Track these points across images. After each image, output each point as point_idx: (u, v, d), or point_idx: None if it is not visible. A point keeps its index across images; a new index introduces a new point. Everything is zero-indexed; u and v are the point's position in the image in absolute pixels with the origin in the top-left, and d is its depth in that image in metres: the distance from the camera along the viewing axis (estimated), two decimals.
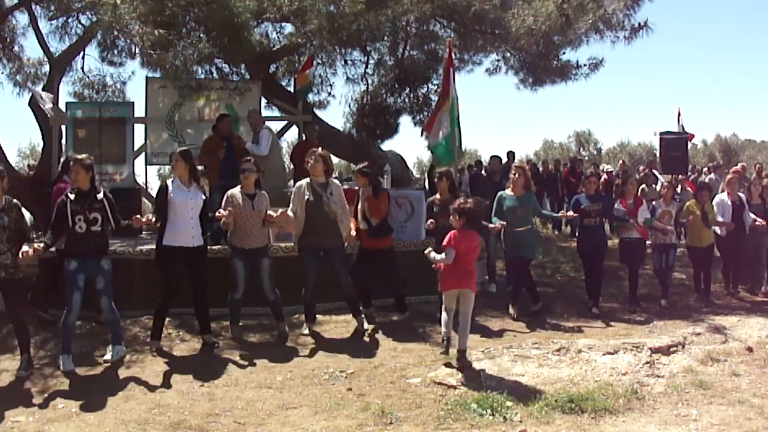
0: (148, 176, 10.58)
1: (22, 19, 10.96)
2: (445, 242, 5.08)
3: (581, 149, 31.81)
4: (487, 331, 6.40)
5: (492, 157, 9.24)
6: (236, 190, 5.92)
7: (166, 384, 4.83)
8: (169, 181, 5.63)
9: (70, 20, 10.33)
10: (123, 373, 5.05)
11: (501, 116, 60.26)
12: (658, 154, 12.29)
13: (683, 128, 11.91)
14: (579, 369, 4.96)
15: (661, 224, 7.62)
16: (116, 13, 7.15)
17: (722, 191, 8.49)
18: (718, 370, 5.08)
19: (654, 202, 7.90)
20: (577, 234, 7.72)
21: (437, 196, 6.70)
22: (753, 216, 7.99)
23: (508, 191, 7.02)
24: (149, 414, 4.26)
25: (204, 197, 5.68)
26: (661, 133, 11.35)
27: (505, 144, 70.02)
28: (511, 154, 13.89)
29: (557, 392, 4.49)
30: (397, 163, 10.42)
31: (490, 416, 4.16)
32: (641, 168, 15.21)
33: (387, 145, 12.52)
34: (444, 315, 5.22)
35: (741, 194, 8.31)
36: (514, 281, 7.27)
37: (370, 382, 4.85)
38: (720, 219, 7.87)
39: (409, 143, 37.84)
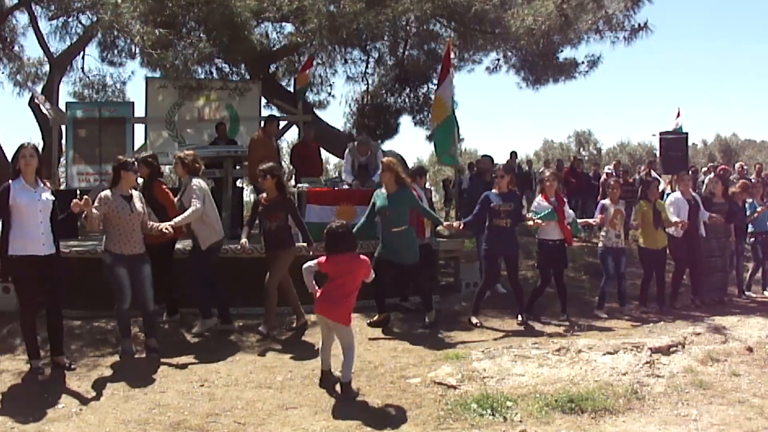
0: None
1: (22, 19, 11.03)
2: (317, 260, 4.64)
3: (581, 149, 31.82)
4: (487, 331, 6.39)
5: (483, 156, 9.19)
6: (108, 193, 5.31)
7: (166, 384, 4.83)
8: (11, 182, 4.82)
9: (70, 20, 10.38)
10: (123, 373, 5.05)
11: (501, 116, 60.27)
12: (658, 154, 12.29)
13: (681, 128, 11.89)
14: (579, 369, 4.95)
15: (595, 222, 7.24)
16: (116, 12, 7.17)
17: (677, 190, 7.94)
18: (718, 370, 5.07)
19: (603, 202, 7.37)
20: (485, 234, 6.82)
21: (263, 195, 6.14)
22: (708, 213, 7.59)
23: (382, 189, 6.33)
24: (149, 414, 4.25)
25: (53, 198, 4.94)
26: (661, 133, 11.35)
27: (504, 144, 70.00)
28: (513, 154, 13.89)
29: (557, 392, 4.49)
30: None
31: (490, 416, 4.16)
32: (641, 168, 15.20)
33: (387, 145, 12.56)
34: (321, 343, 4.81)
35: (695, 194, 7.87)
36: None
37: (370, 382, 4.85)
38: (675, 219, 7.33)
39: (409, 143, 37.86)
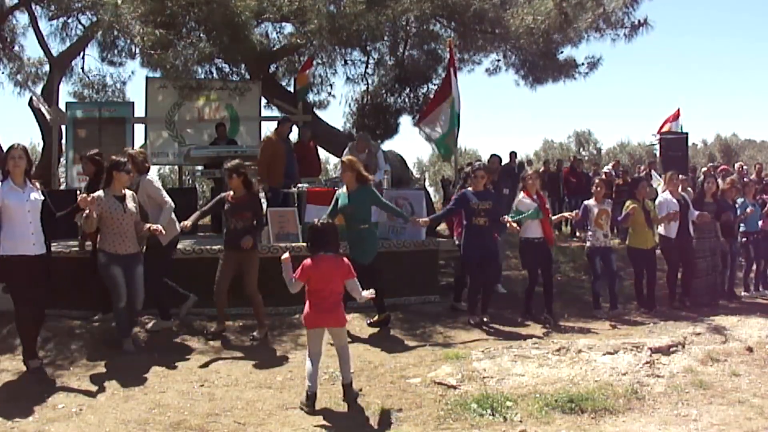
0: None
1: (22, 19, 11.04)
2: (295, 273, 4.37)
3: (581, 149, 31.82)
4: (486, 331, 6.39)
5: (491, 155, 9.19)
6: (101, 193, 5.29)
7: (166, 384, 4.83)
8: (0, 183, 4.81)
9: (70, 20, 10.40)
10: (123, 373, 5.05)
11: (501, 116, 60.26)
12: (658, 154, 12.32)
13: (681, 128, 11.92)
14: (579, 369, 4.95)
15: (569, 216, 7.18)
16: (117, 13, 7.18)
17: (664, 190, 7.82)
18: (718, 370, 5.07)
19: (586, 202, 7.27)
20: (461, 235, 6.72)
21: (230, 192, 5.97)
22: (696, 212, 7.51)
23: (344, 188, 6.23)
24: (149, 414, 4.26)
25: (43, 198, 4.93)
26: (661, 133, 11.38)
27: (505, 144, 70.01)
28: (513, 155, 13.89)
29: (557, 392, 4.49)
30: (397, 163, 10.45)
31: (490, 416, 4.16)
32: (641, 168, 15.22)
33: (387, 145, 12.57)
34: (308, 364, 4.38)
35: (684, 194, 7.79)
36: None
37: (370, 382, 4.85)
38: (662, 214, 7.28)
39: (409, 143, 37.86)
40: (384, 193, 7.71)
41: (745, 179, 10.75)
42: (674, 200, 7.47)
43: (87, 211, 5.03)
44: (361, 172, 6.16)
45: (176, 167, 14.07)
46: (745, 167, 13.09)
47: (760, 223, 8.43)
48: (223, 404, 4.43)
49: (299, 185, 8.17)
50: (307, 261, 4.39)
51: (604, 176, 12.71)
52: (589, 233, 7.25)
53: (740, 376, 4.95)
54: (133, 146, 10.29)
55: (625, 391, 4.53)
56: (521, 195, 6.91)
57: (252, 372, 5.11)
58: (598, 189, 7.23)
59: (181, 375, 5.03)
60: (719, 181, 8.84)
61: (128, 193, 5.54)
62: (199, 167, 9.94)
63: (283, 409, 4.36)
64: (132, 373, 5.04)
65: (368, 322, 6.40)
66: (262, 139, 9.17)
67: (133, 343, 5.58)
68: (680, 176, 8.17)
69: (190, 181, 16.54)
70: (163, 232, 5.60)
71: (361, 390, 4.66)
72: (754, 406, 4.35)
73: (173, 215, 6.01)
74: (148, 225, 5.54)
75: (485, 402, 4.30)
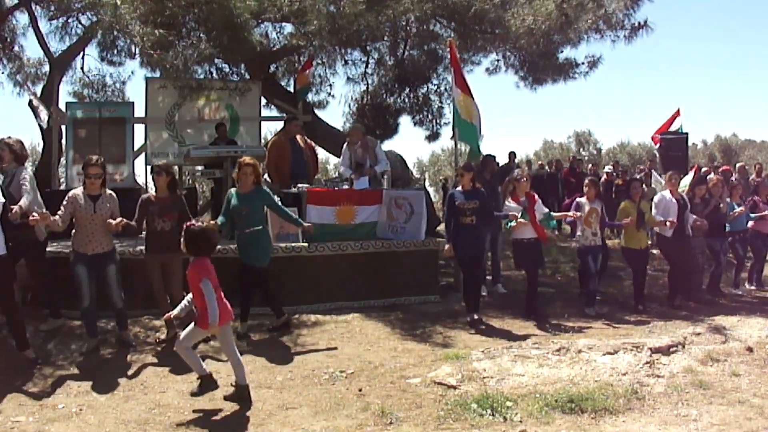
0: (148, 176, 10.57)
1: (22, 19, 11.02)
2: (195, 274, 4.28)
3: (581, 149, 31.79)
4: (487, 331, 6.39)
5: (484, 156, 9.15)
6: (78, 191, 5.41)
7: (166, 384, 4.83)
8: None
9: (70, 20, 10.38)
10: (123, 373, 5.05)
11: (501, 116, 60.18)
12: (657, 154, 12.30)
13: (681, 128, 11.90)
14: (579, 369, 4.96)
15: (568, 215, 7.16)
16: (116, 13, 7.18)
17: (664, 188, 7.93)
18: (718, 370, 5.08)
19: (579, 199, 7.29)
20: (452, 234, 6.73)
21: (151, 193, 5.84)
22: (693, 216, 7.62)
23: (235, 188, 6.04)
24: (149, 414, 4.26)
25: (4, 200, 4.96)
26: (661, 134, 11.36)
27: (505, 144, 69.97)
28: (512, 155, 13.90)
29: (557, 392, 4.49)
30: (397, 163, 10.43)
31: (490, 416, 4.16)
32: (641, 168, 15.22)
33: (387, 145, 12.55)
34: (240, 358, 4.49)
35: (684, 194, 7.87)
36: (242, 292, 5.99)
37: (370, 382, 4.85)
38: (659, 218, 7.38)
39: (409, 143, 37.90)
40: (384, 193, 7.72)
41: (732, 179, 10.78)
42: (673, 200, 7.52)
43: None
44: (260, 174, 6.09)
45: (176, 167, 14.03)
46: (746, 167, 13.10)
47: (750, 223, 8.47)
48: (224, 404, 4.43)
49: (299, 186, 8.17)
50: (199, 263, 4.32)
51: (605, 176, 12.77)
52: (578, 232, 7.30)
53: (740, 376, 4.96)
54: (133, 146, 10.31)
55: (625, 391, 4.53)
56: (508, 200, 6.96)
57: (252, 372, 5.10)
58: (589, 188, 7.25)
59: (181, 375, 5.02)
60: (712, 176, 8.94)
61: (107, 193, 5.53)
62: (199, 167, 9.93)
63: (283, 409, 4.36)
64: (132, 373, 5.05)
65: (270, 327, 6.19)
66: (269, 139, 9.16)
67: (126, 342, 5.62)
68: (681, 176, 8.25)
69: (190, 181, 16.53)
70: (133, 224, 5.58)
71: (360, 390, 4.67)
72: (754, 406, 4.36)
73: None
74: (115, 222, 5.41)
75: (485, 402, 4.30)
